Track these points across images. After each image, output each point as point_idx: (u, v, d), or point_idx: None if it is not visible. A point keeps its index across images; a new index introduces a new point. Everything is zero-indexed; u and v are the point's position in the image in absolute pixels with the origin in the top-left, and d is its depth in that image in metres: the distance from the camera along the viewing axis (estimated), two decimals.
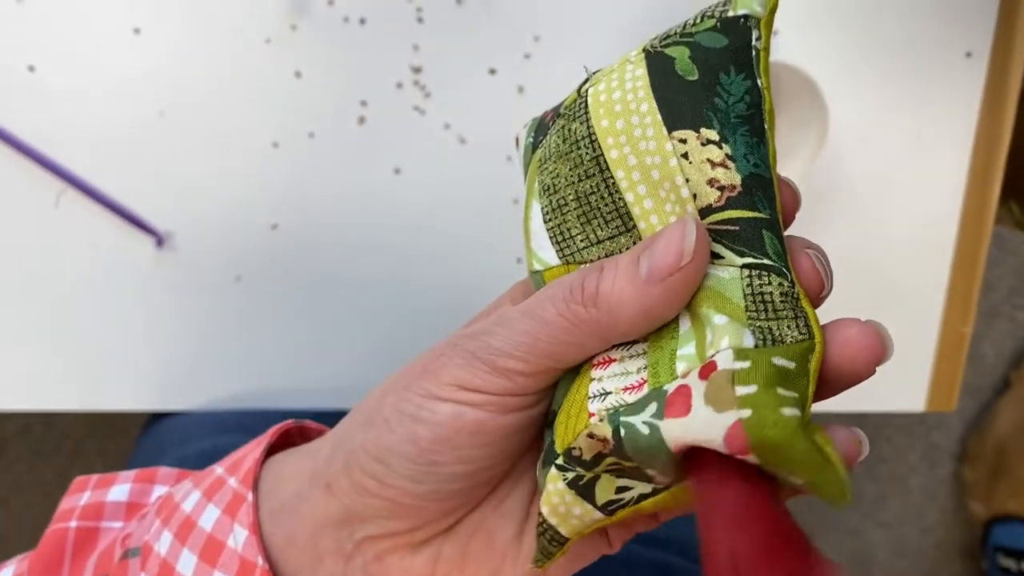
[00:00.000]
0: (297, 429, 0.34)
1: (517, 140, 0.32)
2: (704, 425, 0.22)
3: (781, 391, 0.22)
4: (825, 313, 0.24)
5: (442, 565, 0.29)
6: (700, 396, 0.23)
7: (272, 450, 0.32)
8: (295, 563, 0.29)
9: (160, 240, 0.57)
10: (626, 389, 0.25)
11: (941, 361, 0.63)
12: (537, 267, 0.29)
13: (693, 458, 0.23)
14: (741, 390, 0.22)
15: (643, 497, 0.26)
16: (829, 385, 0.24)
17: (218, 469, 0.31)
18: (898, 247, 0.61)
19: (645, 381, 0.25)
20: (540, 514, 0.27)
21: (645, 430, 0.23)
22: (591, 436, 0.25)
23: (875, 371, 0.24)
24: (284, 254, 0.59)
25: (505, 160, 0.58)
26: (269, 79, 0.56)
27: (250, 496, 0.29)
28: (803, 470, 0.22)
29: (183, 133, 0.56)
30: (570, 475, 0.26)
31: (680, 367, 0.24)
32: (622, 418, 0.24)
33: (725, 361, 0.23)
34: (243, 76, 0.56)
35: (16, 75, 0.55)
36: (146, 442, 0.63)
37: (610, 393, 0.25)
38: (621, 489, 0.26)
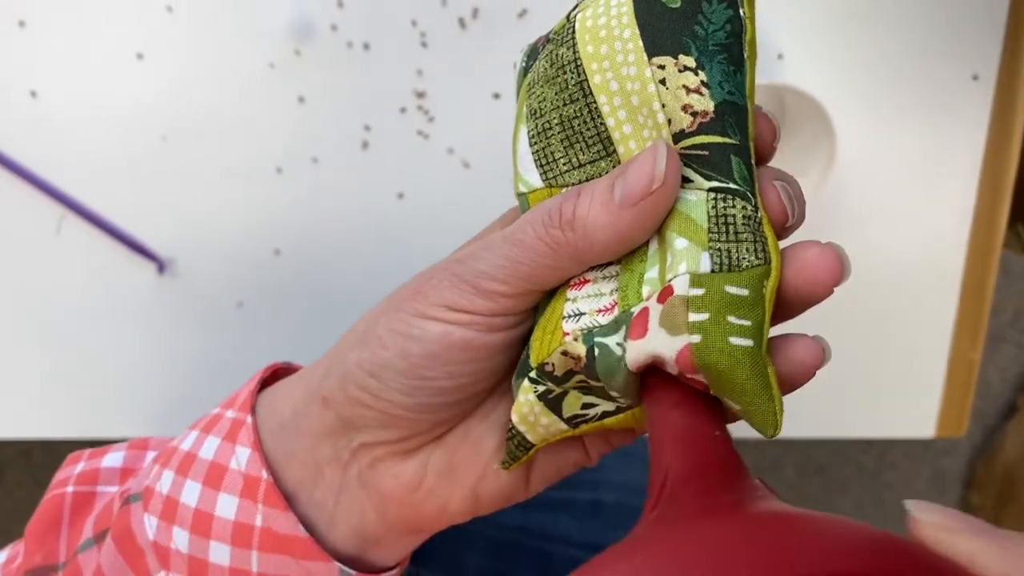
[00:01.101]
0: (284, 371, 0.35)
1: (515, 64, 0.32)
2: (657, 347, 0.24)
3: (732, 319, 0.23)
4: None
5: (431, 471, 0.31)
6: (656, 319, 0.24)
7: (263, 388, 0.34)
8: (297, 477, 0.30)
9: (161, 266, 0.57)
10: (599, 311, 0.26)
11: (950, 387, 0.62)
12: (522, 189, 0.30)
13: (648, 384, 0.25)
14: (694, 316, 0.23)
15: (606, 415, 0.28)
16: (790, 307, 0.25)
17: (214, 410, 0.33)
18: (906, 272, 0.61)
19: (616, 303, 0.26)
20: (511, 421, 0.29)
21: (619, 351, 0.25)
22: (565, 354, 0.26)
23: (833, 292, 0.25)
24: (287, 280, 0.58)
25: (510, 184, 0.58)
26: (272, 104, 0.56)
27: (249, 419, 0.31)
28: (741, 397, 0.23)
29: (185, 158, 0.56)
30: (541, 388, 0.27)
31: (645, 290, 0.25)
32: (596, 338, 0.25)
33: (681, 287, 0.24)
34: (246, 101, 0.56)
35: (18, 100, 0.54)
36: None
37: (584, 314, 0.26)
38: (587, 406, 0.28)
